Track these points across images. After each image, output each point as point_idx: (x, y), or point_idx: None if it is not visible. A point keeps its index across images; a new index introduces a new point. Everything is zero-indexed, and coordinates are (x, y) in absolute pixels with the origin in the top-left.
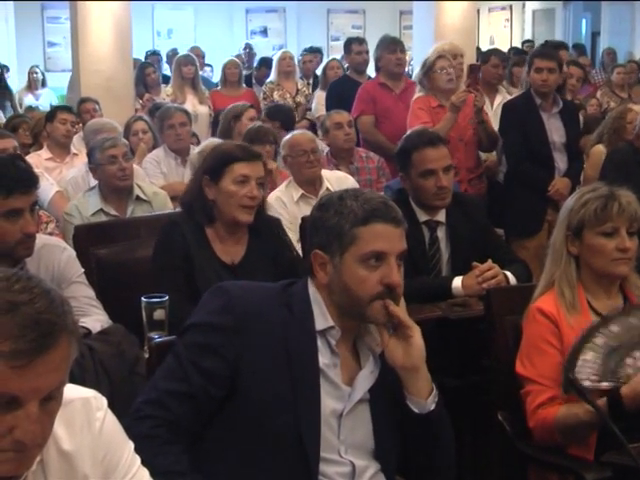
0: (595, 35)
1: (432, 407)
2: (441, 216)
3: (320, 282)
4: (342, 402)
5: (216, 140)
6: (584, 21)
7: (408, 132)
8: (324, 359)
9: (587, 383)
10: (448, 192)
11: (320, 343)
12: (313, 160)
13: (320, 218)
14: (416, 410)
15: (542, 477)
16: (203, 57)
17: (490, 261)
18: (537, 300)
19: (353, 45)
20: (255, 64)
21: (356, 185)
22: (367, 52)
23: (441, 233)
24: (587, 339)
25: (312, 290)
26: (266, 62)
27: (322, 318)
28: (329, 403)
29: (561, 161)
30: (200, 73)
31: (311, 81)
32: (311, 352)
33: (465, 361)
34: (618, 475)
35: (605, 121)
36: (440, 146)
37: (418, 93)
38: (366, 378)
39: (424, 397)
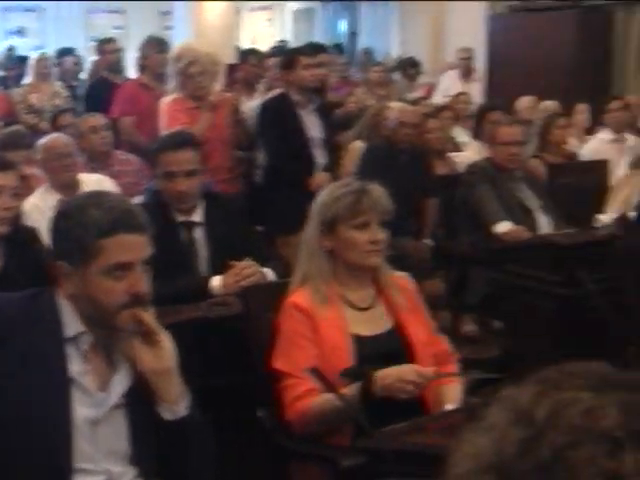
0: (353, 35)
1: (184, 412)
2: (198, 216)
3: (66, 292)
4: (96, 409)
5: None
6: (343, 21)
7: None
8: (75, 367)
9: (345, 377)
10: (187, 196)
11: (70, 350)
12: (69, 164)
13: (61, 228)
14: (168, 416)
15: (302, 469)
16: None
17: (248, 259)
18: (292, 295)
19: (105, 45)
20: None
21: (115, 189)
22: (119, 51)
23: (198, 233)
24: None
25: (60, 298)
26: (22, 62)
27: (72, 325)
28: (82, 411)
29: (320, 157)
30: None
31: (76, 84)
32: (59, 360)
33: (226, 360)
34: (374, 459)
35: (363, 118)
36: (184, 150)
37: (174, 94)
38: (120, 383)
39: (176, 402)
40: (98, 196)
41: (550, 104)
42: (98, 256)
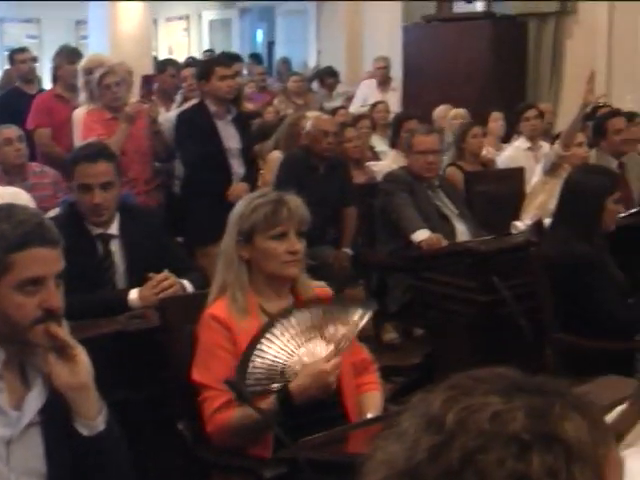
0: (271, 44)
1: (102, 427)
2: (114, 229)
3: None
4: (11, 428)
5: None
6: (260, 31)
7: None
8: None
9: (258, 388)
10: (103, 209)
11: None
12: None
13: None
14: (85, 432)
15: None
16: None
17: (166, 271)
18: (210, 306)
19: (16, 55)
20: None
21: (31, 202)
22: (32, 60)
23: (115, 246)
24: (254, 346)
25: None
26: None
27: None
28: None
29: (238, 167)
30: None
31: None
32: None
33: (146, 373)
34: (295, 470)
35: (281, 127)
36: (100, 161)
37: (87, 105)
38: (35, 400)
39: (93, 418)
40: (8, 209)
41: (460, 111)
42: (9, 271)
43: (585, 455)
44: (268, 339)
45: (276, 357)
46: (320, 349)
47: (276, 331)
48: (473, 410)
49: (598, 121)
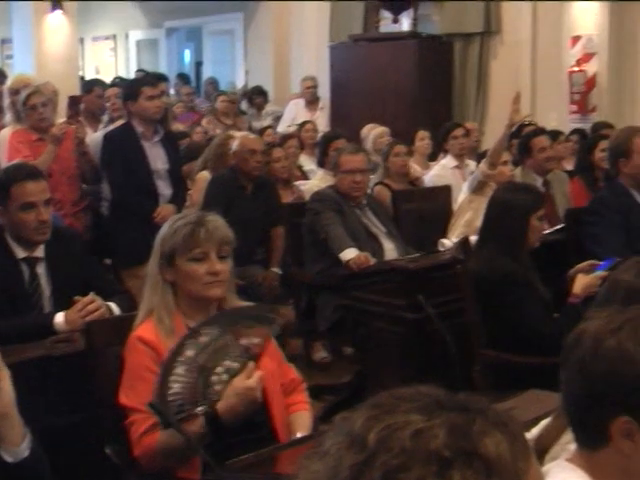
0: (199, 64)
1: (26, 453)
2: (40, 252)
3: None
4: None
5: None
6: (187, 51)
7: (5, 166)
8: None
9: (184, 414)
10: (48, 227)
11: None
12: None
13: None
14: (10, 459)
15: None
16: None
17: (92, 294)
18: (137, 328)
19: None
20: None
21: None
22: None
23: (41, 269)
24: (168, 372)
25: None
26: None
27: None
28: None
29: (165, 188)
30: None
31: None
32: None
33: (72, 398)
34: None
35: (209, 148)
36: (40, 179)
37: (14, 126)
38: None
39: (17, 444)
40: None
41: (383, 129)
42: None
43: (505, 470)
44: (182, 362)
45: (194, 380)
46: (237, 364)
47: (189, 352)
48: (395, 428)
49: (523, 139)
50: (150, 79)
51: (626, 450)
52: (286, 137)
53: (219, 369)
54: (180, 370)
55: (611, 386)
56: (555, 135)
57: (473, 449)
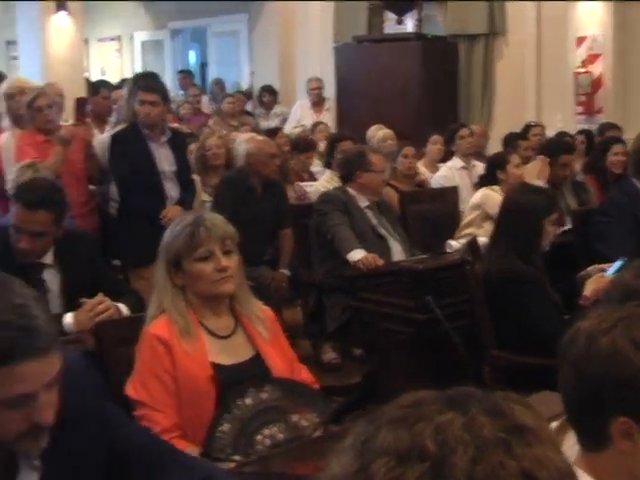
0: (204, 65)
1: None
2: (48, 259)
3: None
4: None
5: None
6: (192, 52)
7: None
8: None
9: (222, 455)
10: (29, 254)
11: None
12: None
13: None
14: None
15: None
16: None
17: (101, 295)
18: (151, 324)
19: None
20: None
21: None
22: None
23: (48, 274)
24: (226, 409)
25: None
26: None
27: None
28: None
29: (172, 189)
30: None
31: None
32: None
33: None
34: None
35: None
36: (39, 211)
37: (13, 130)
38: None
39: None
40: None
41: (388, 132)
42: None
43: (543, 434)
44: (239, 407)
45: (243, 429)
46: (282, 436)
47: (248, 401)
48: (444, 428)
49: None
50: (145, 82)
51: (627, 451)
52: (296, 138)
53: (266, 431)
54: (236, 412)
55: (606, 386)
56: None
57: (516, 424)
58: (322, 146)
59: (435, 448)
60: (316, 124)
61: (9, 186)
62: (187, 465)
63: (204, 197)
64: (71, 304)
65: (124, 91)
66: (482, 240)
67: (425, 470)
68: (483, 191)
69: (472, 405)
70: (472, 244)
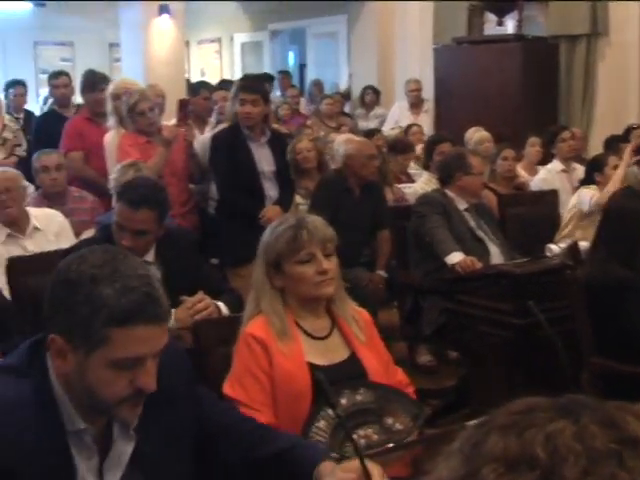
0: (302, 67)
1: None
2: (149, 257)
3: (59, 371)
4: None
5: None
6: (291, 53)
7: (118, 166)
8: (78, 456)
9: None
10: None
11: (73, 442)
12: (6, 200)
13: (63, 299)
14: None
15: None
16: None
17: (201, 293)
18: (248, 324)
19: (51, 79)
20: None
21: (66, 225)
22: (65, 85)
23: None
24: (321, 407)
25: (56, 384)
26: None
27: (70, 420)
28: None
29: (271, 189)
30: None
31: (21, 115)
32: (64, 457)
33: None
34: None
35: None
36: (142, 209)
37: (118, 129)
38: (117, 464)
39: None
40: (114, 269)
41: (485, 135)
42: (104, 345)
43: None
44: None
45: (337, 429)
46: (376, 437)
47: (343, 401)
48: (555, 437)
49: None
50: (246, 83)
51: None
52: (394, 140)
53: (361, 432)
54: (330, 412)
55: None
56: None
57: (629, 435)
58: (417, 148)
59: (545, 457)
60: (410, 126)
61: (111, 185)
62: (279, 436)
63: (298, 200)
64: (171, 301)
65: (228, 93)
66: (583, 244)
67: (535, 479)
68: (579, 191)
69: (584, 414)
70: (573, 248)
